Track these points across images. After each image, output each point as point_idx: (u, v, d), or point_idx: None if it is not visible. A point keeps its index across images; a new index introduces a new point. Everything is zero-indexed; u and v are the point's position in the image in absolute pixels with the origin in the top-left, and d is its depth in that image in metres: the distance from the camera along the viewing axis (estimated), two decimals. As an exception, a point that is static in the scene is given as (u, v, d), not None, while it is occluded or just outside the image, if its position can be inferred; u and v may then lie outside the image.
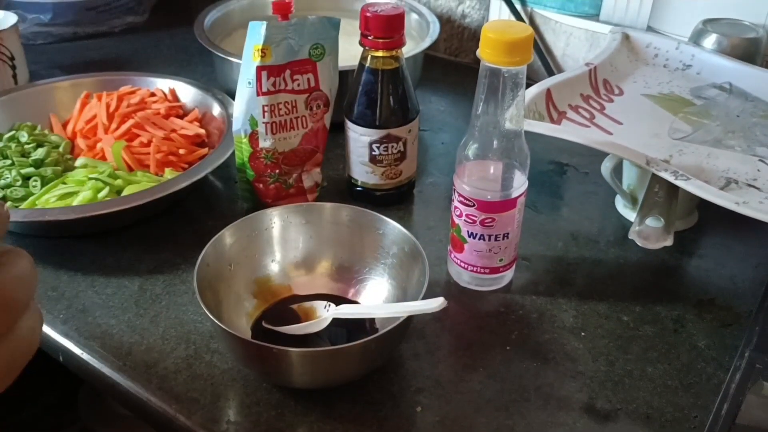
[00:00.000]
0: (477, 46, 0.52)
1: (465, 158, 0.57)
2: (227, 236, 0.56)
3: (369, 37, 0.64)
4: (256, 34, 0.62)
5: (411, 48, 0.81)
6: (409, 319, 0.50)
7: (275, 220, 0.59)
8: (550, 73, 0.93)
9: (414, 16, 0.94)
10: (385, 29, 0.63)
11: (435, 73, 0.99)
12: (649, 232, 0.55)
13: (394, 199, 0.72)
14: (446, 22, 1.04)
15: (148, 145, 0.74)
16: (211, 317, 0.48)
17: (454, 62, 1.05)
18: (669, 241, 0.55)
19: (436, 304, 0.47)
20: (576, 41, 0.91)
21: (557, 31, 0.93)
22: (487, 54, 0.51)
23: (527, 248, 0.66)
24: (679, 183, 0.55)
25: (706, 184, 0.55)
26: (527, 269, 0.64)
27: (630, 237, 0.57)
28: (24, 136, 0.74)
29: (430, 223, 0.70)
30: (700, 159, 0.62)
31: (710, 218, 0.71)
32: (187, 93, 0.82)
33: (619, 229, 0.70)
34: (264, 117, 0.64)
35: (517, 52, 0.51)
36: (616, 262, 0.66)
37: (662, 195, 0.57)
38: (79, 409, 1.17)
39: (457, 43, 1.05)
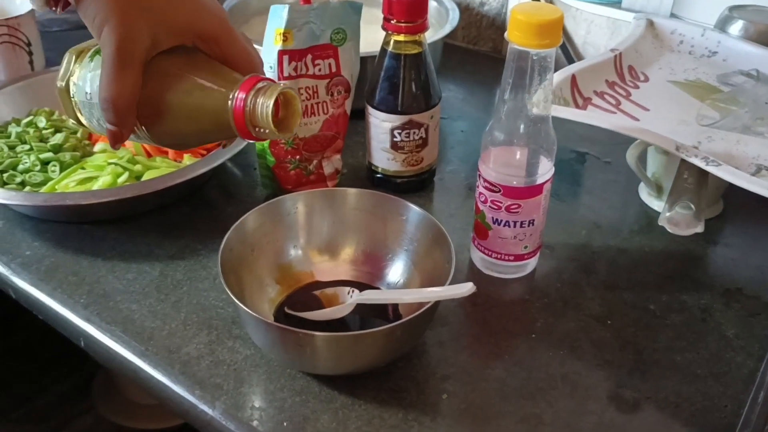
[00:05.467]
0: (496, 35, 0.52)
1: (491, 143, 0.56)
2: (250, 221, 0.55)
3: (392, 21, 0.63)
4: (277, 17, 0.61)
5: (430, 35, 0.80)
6: (436, 305, 0.49)
7: (299, 205, 0.58)
8: (570, 61, 0.92)
9: (433, 3, 0.93)
10: (409, 13, 0.63)
11: (453, 62, 0.97)
12: (679, 219, 0.54)
13: (415, 187, 0.71)
14: (464, 10, 1.02)
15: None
16: (236, 301, 0.47)
17: (473, 50, 1.04)
18: (699, 228, 0.54)
19: (466, 289, 0.46)
20: (597, 29, 0.90)
21: (578, 19, 0.92)
22: (515, 36, 0.50)
23: (550, 236, 0.65)
24: (710, 169, 0.54)
25: (738, 170, 0.54)
26: (551, 257, 0.64)
27: (660, 224, 0.56)
28: (42, 122, 0.74)
29: (451, 211, 0.69)
30: (730, 145, 0.61)
31: (735, 207, 0.70)
32: (205, 79, 0.81)
33: (643, 218, 0.69)
34: (285, 102, 0.64)
35: (547, 35, 0.50)
36: (640, 251, 0.65)
37: (692, 182, 0.56)
38: (94, 397, 1.17)
39: (476, 32, 1.04)
